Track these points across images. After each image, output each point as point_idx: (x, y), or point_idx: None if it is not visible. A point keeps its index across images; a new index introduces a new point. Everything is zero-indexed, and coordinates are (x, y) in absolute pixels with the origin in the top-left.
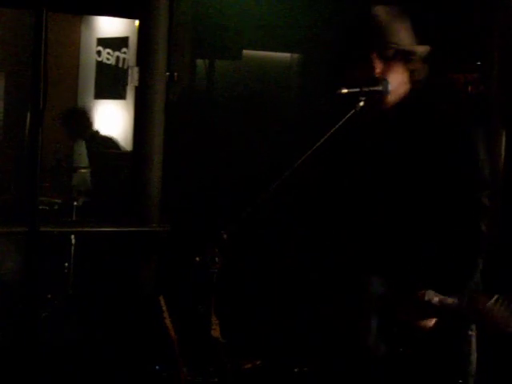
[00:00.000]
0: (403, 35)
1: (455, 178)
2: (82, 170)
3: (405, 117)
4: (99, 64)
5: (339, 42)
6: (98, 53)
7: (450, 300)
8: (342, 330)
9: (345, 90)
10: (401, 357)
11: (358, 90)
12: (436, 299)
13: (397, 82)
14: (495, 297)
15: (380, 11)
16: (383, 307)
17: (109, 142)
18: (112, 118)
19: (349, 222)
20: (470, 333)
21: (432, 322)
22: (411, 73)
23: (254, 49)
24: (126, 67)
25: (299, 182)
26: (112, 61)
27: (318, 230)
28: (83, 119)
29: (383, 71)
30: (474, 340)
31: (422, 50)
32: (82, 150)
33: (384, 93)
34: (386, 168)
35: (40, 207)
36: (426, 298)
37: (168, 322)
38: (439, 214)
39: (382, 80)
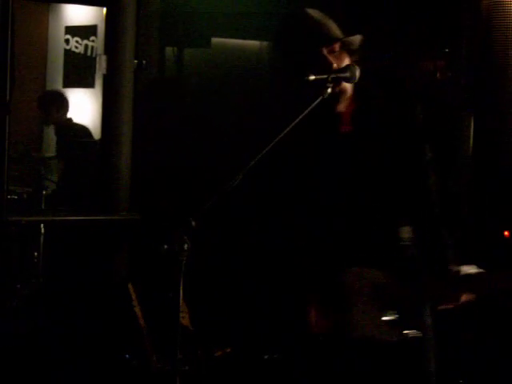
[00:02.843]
0: (339, 30)
1: (399, 136)
2: (51, 159)
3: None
4: (67, 52)
5: (281, 52)
6: (67, 41)
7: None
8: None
9: (312, 77)
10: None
11: (325, 76)
12: (473, 271)
13: None
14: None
15: (314, 12)
16: (386, 297)
17: (82, 130)
18: (81, 107)
19: (326, 211)
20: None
21: (471, 296)
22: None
23: (224, 37)
24: (94, 55)
25: (271, 168)
26: (80, 49)
27: (293, 217)
28: (61, 103)
29: (338, 64)
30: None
31: (359, 39)
32: (51, 138)
33: (352, 79)
34: (351, 157)
35: (8, 196)
36: (463, 273)
37: (137, 309)
38: (396, 180)
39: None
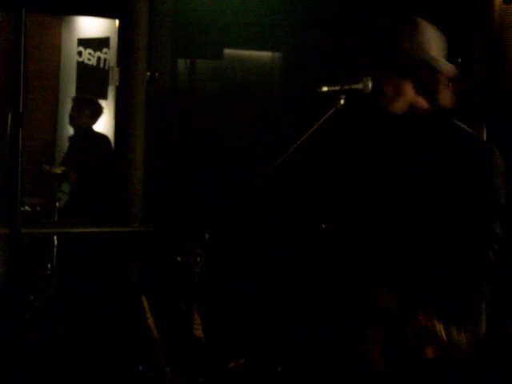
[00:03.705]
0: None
1: (472, 203)
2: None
3: (429, 135)
4: (80, 64)
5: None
6: (79, 53)
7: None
8: (340, 338)
9: (325, 88)
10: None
11: (338, 88)
12: (445, 334)
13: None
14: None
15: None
16: (392, 323)
17: (101, 139)
18: None
19: (359, 229)
20: None
21: (437, 352)
22: (434, 97)
23: (236, 48)
24: (107, 67)
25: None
26: (93, 61)
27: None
28: (97, 110)
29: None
30: None
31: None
32: (64, 149)
33: (365, 90)
34: (405, 183)
35: (22, 208)
36: (437, 330)
37: (151, 321)
38: (452, 237)
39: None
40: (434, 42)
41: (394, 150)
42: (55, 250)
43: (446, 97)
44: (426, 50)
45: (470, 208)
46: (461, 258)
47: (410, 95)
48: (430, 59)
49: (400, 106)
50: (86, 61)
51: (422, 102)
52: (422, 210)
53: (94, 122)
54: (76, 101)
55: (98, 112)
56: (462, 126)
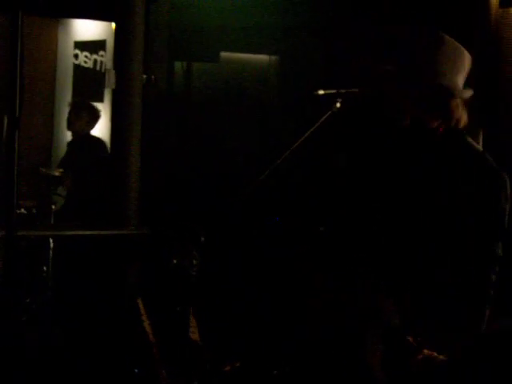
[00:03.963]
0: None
1: (474, 223)
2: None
3: (439, 150)
4: (77, 67)
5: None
6: (76, 56)
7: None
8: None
9: (321, 92)
10: None
11: (334, 91)
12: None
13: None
14: None
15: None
16: (393, 339)
17: (98, 142)
18: None
19: (358, 231)
20: None
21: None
22: (447, 118)
23: (232, 51)
24: (103, 70)
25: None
26: (89, 64)
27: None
28: (94, 115)
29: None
30: None
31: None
32: (60, 152)
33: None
34: (405, 186)
35: (17, 211)
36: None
37: (146, 324)
38: (451, 241)
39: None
40: (455, 65)
41: (395, 153)
42: (51, 252)
43: (459, 118)
44: (447, 75)
45: (474, 230)
46: (461, 262)
47: (420, 112)
48: (449, 85)
49: (407, 119)
50: (83, 63)
51: (431, 120)
52: (421, 213)
53: (92, 127)
54: (73, 105)
55: (95, 116)
56: (475, 144)
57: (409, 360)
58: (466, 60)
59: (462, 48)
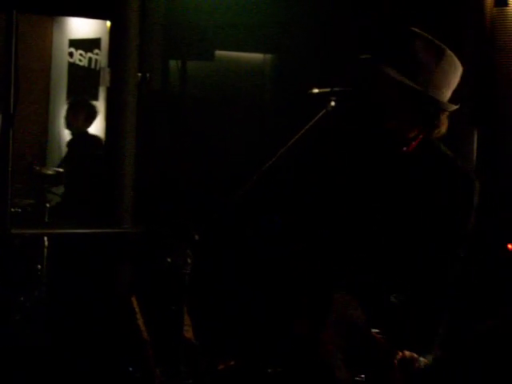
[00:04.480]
0: None
1: (445, 225)
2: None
3: (418, 160)
4: (71, 65)
5: None
6: (71, 54)
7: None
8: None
9: (316, 90)
10: None
11: (328, 89)
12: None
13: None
14: None
15: None
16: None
17: (96, 141)
18: None
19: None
20: None
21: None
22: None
23: (227, 49)
24: (98, 68)
25: (281, 178)
26: (84, 62)
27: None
28: (92, 113)
29: None
30: None
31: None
32: (55, 150)
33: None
34: (389, 201)
35: (12, 209)
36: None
37: (141, 322)
38: (426, 255)
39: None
40: (450, 81)
41: (377, 157)
42: (46, 250)
43: (441, 128)
44: (441, 89)
45: (443, 235)
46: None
47: (403, 119)
48: (440, 99)
49: (390, 124)
50: (77, 62)
51: (411, 129)
52: (404, 216)
53: (89, 125)
54: (71, 104)
55: (93, 114)
56: (449, 152)
57: (382, 360)
58: (459, 74)
59: (458, 63)
